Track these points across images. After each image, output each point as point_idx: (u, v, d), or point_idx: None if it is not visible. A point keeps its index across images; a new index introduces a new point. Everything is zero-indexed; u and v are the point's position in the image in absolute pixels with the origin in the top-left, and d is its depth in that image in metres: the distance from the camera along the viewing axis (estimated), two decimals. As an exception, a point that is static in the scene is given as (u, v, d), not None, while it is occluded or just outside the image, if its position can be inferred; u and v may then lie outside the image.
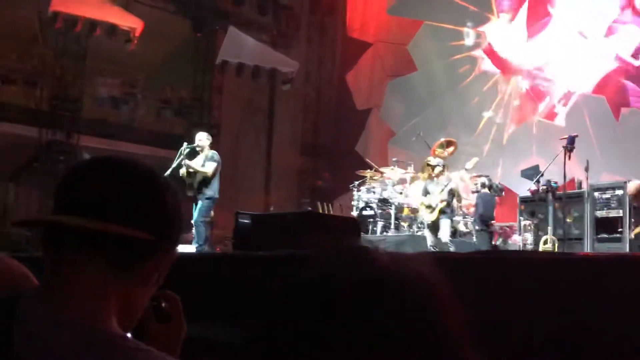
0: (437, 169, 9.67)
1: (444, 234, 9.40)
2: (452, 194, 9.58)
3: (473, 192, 10.47)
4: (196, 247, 9.31)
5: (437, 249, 9.12)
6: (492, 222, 10.43)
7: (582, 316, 3.16)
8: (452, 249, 9.17)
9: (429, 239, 9.69)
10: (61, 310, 1.06)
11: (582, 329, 3.14)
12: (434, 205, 9.54)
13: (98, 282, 1.10)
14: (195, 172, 9.51)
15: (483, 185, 10.44)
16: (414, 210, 11.25)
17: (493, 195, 10.55)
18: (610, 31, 12.15)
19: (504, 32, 13.82)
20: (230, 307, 4.57)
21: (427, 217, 9.72)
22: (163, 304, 1.28)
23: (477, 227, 10.25)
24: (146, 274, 1.15)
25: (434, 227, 9.58)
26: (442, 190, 9.50)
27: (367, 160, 13.03)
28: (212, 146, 10.02)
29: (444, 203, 9.46)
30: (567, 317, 3.21)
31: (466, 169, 10.11)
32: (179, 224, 1.22)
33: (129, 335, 1.16)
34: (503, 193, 11.40)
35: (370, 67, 16.47)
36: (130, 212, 1.12)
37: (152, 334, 1.25)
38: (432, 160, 9.99)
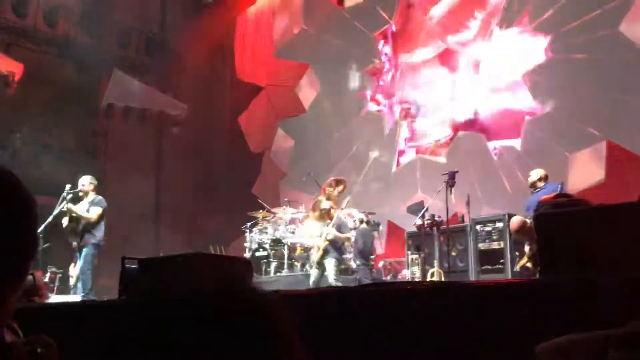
0: (328, 207, 9.97)
1: (330, 274, 9.62)
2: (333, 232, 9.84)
3: (352, 229, 10.65)
4: (82, 296, 8.91)
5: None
6: (372, 256, 10.67)
7: (464, 340, 3.28)
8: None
9: (312, 278, 9.90)
10: None
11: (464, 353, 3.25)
12: (319, 245, 9.80)
13: None
14: (79, 217, 9.15)
15: (361, 221, 10.70)
16: (307, 250, 11.33)
17: (371, 230, 10.81)
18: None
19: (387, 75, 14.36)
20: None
21: (313, 256, 9.95)
22: (39, 350, 1.20)
23: (357, 262, 10.44)
24: None
25: (321, 267, 9.79)
26: (323, 231, 9.82)
27: (260, 201, 13.01)
28: (98, 191, 9.69)
29: (326, 242, 9.71)
30: (448, 340, 3.32)
31: (342, 208, 10.39)
32: (25, 251, 1.12)
33: None
34: (380, 227, 11.74)
35: (262, 110, 16.54)
36: None
37: None
38: (324, 203, 10.23)
